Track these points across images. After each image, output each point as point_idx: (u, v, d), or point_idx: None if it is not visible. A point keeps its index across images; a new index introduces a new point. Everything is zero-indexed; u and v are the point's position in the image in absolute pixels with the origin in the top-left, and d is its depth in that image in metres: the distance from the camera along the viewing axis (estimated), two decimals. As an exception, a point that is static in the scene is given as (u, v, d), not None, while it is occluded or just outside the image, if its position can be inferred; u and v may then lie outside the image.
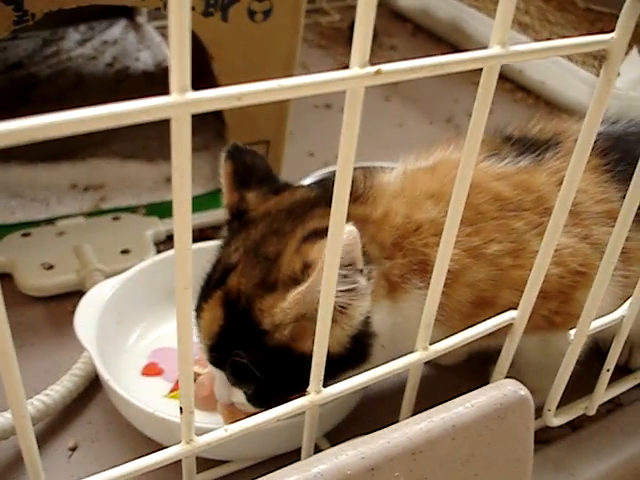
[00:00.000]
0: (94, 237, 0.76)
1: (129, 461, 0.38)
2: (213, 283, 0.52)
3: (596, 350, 0.59)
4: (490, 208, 0.52)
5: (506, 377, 0.49)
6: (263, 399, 0.52)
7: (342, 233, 0.35)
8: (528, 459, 0.46)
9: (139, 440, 0.57)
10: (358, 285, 0.48)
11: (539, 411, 0.54)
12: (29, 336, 0.67)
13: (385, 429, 0.42)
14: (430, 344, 0.46)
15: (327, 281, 0.37)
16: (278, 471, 0.40)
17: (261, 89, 0.28)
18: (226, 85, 0.80)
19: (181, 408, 0.38)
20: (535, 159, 0.55)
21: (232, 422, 0.41)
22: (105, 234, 0.77)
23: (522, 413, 0.45)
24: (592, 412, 0.57)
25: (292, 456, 0.47)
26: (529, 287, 0.47)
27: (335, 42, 1.35)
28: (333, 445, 0.42)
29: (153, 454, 0.39)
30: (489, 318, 0.48)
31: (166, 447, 0.39)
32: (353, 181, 0.39)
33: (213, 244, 0.57)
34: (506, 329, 0.49)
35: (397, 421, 0.44)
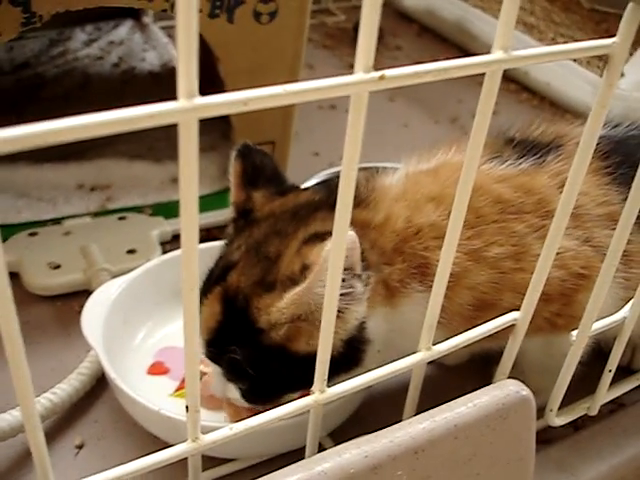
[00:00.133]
0: (101, 237, 0.76)
1: (135, 459, 0.39)
2: (214, 279, 0.53)
3: (599, 351, 0.60)
4: (491, 211, 0.52)
5: (509, 377, 0.50)
6: (256, 396, 0.53)
7: (345, 237, 0.36)
8: (530, 459, 0.47)
9: (145, 438, 0.57)
10: (355, 290, 0.48)
11: (541, 411, 0.55)
12: (36, 335, 0.68)
13: (388, 428, 0.42)
14: (433, 345, 0.46)
15: (331, 283, 0.38)
16: (282, 469, 0.40)
17: (267, 94, 0.28)
18: (232, 86, 0.81)
19: (187, 407, 0.38)
20: (537, 162, 0.56)
21: (237, 421, 0.42)
22: (111, 234, 0.77)
23: (524, 413, 0.45)
24: (594, 412, 0.57)
25: (296, 454, 0.48)
26: (531, 288, 0.47)
27: (341, 42, 1.35)
28: (337, 444, 0.43)
29: (159, 452, 0.39)
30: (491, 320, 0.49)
31: (172, 445, 0.40)
32: (356, 185, 0.39)
33: (219, 244, 0.58)
34: (508, 330, 0.49)
35: (400, 420, 0.45)
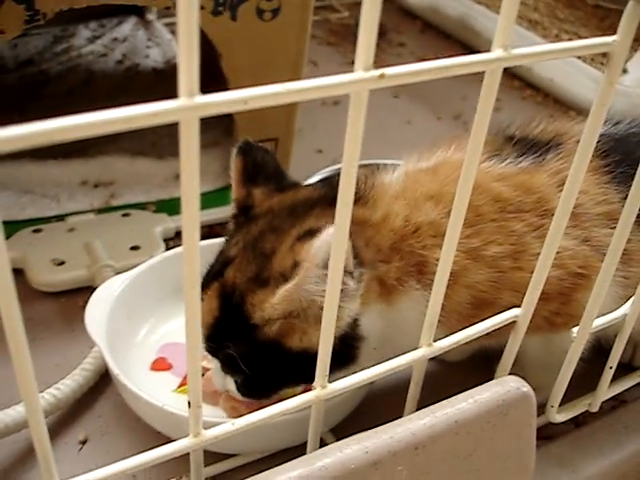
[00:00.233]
0: (104, 233, 0.77)
1: (138, 453, 0.39)
2: (213, 274, 0.54)
3: (600, 347, 0.60)
4: (490, 209, 0.52)
5: (510, 374, 0.50)
6: (251, 390, 0.54)
7: (346, 236, 0.36)
8: (530, 455, 0.47)
9: (148, 433, 0.58)
10: (347, 287, 0.48)
11: (542, 407, 0.55)
12: (40, 331, 0.68)
13: (389, 424, 0.43)
14: (433, 342, 0.46)
15: (332, 281, 0.38)
16: (283, 465, 0.40)
17: (267, 93, 0.28)
18: (235, 83, 0.81)
19: (189, 402, 0.38)
20: (536, 160, 0.55)
21: (235, 417, 0.42)
22: (115, 230, 0.78)
23: (524, 409, 0.46)
24: (595, 409, 0.57)
25: (298, 450, 0.48)
26: (532, 286, 0.47)
27: (344, 39, 1.35)
28: (339, 439, 0.43)
29: (161, 447, 0.39)
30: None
31: (174, 440, 0.40)
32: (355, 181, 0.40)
33: (221, 241, 0.58)
34: (509, 328, 0.50)
35: (401, 416, 0.45)
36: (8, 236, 0.75)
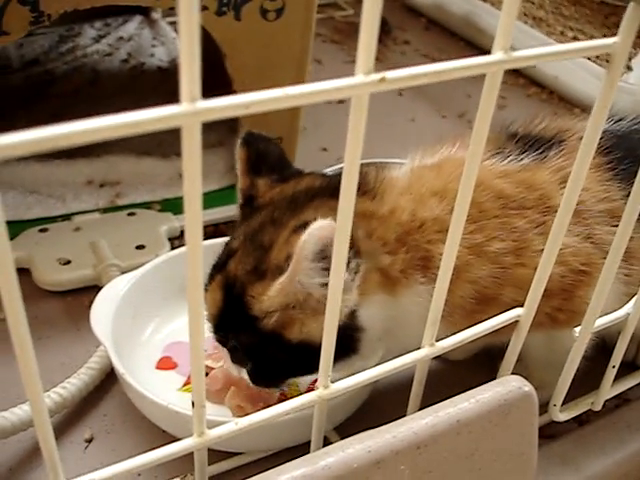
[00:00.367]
0: (110, 233, 0.77)
1: (143, 452, 0.39)
2: (218, 266, 0.55)
3: (603, 346, 0.60)
4: (493, 206, 0.53)
5: (514, 373, 0.50)
6: (260, 379, 0.55)
7: (347, 237, 0.36)
8: (532, 454, 0.47)
9: (153, 432, 0.58)
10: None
11: (546, 406, 0.55)
12: (46, 329, 0.69)
13: (391, 423, 0.43)
14: (436, 340, 0.47)
15: (335, 275, 0.38)
16: (287, 463, 0.41)
17: (268, 97, 0.29)
18: (240, 82, 0.81)
19: (193, 402, 0.39)
20: (538, 157, 0.56)
21: (240, 415, 0.42)
22: (120, 230, 0.78)
23: (526, 409, 0.46)
24: (598, 408, 0.58)
25: (303, 448, 0.49)
26: (535, 284, 0.47)
27: (349, 37, 1.35)
28: (343, 438, 0.43)
29: (166, 446, 0.40)
30: (493, 315, 0.49)
31: (179, 439, 0.40)
32: (364, 174, 0.40)
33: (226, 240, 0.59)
34: (511, 326, 0.50)
35: (405, 415, 0.45)
36: (14, 236, 0.75)
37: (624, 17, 0.38)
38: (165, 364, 0.65)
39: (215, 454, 0.56)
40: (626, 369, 0.62)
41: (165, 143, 0.88)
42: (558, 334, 0.56)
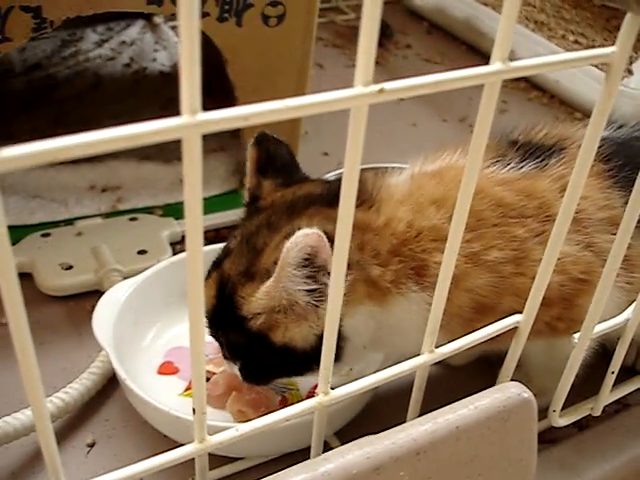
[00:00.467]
0: (112, 238, 0.78)
1: (145, 458, 0.40)
2: (216, 263, 0.56)
3: (605, 350, 0.60)
4: (492, 215, 0.53)
5: (514, 379, 0.50)
6: (249, 376, 0.56)
7: (347, 251, 0.36)
8: (531, 460, 0.47)
9: (155, 437, 0.59)
10: (327, 288, 0.49)
11: (545, 412, 0.55)
12: (48, 334, 0.69)
13: (390, 430, 0.43)
14: (435, 347, 0.47)
15: (335, 286, 0.38)
16: (286, 470, 0.41)
17: (267, 110, 0.29)
18: (241, 87, 0.81)
19: (194, 409, 0.39)
20: (539, 165, 0.55)
21: (242, 421, 0.43)
22: (122, 235, 0.78)
23: (525, 415, 0.46)
24: (597, 413, 0.58)
25: (304, 453, 0.49)
26: (534, 292, 0.47)
27: (350, 41, 1.35)
28: (343, 443, 0.43)
29: (167, 453, 0.40)
30: (492, 323, 0.49)
31: (180, 444, 0.41)
32: (362, 182, 0.40)
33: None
34: (511, 333, 0.50)
35: (405, 421, 0.45)
36: (17, 240, 0.76)
37: (622, 27, 0.38)
38: (166, 369, 0.65)
39: (216, 459, 0.56)
40: (626, 374, 0.62)
41: (167, 148, 0.88)
42: (558, 341, 0.56)
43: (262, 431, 0.42)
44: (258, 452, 0.58)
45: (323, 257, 0.48)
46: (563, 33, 1.28)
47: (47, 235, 0.78)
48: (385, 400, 0.62)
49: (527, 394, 0.46)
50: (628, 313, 0.52)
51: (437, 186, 0.54)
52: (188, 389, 0.63)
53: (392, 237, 0.52)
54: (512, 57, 0.35)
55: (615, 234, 0.47)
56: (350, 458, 0.41)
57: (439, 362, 0.49)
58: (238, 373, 0.56)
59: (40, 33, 0.66)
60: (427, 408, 0.47)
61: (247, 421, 0.42)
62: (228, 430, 0.41)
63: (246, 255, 0.53)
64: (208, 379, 0.61)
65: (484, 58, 0.35)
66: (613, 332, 0.53)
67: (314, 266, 0.48)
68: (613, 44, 0.39)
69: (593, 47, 1.23)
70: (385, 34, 1.36)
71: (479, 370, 0.66)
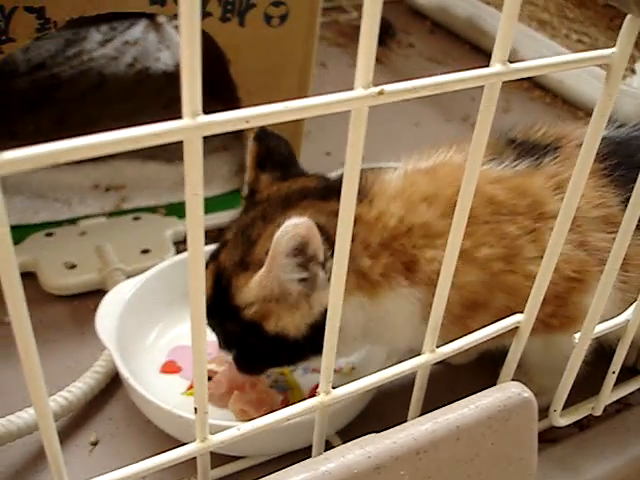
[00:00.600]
0: (115, 237, 0.78)
1: (148, 456, 0.40)
2: (213, 255, 0.57)
3: (604, 350, 0.60)
4: (483, 212, 0.53)
5: (515, 379, 0.51)
6: (243, 365, 0.57)
7: (347, 249, 0.37)
8: (532, 459, 0.48)
9: (158, 435, 0.59)
10: (317, 277, 0.50)
11: (546, 411, 0.55)
12: (52, 333, 0.70)
13: (391, 429, 0.44)
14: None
15: (336, 281, 0.39)
16: (287, 469, 0.41)
17: (268, 112, 0.29)
18: (243, 87, 0.81)
19: (195, 409, 0.39)
20: (533, 163, 0.55)
21: (244, 420, 0.43)
22: (126, 234, 0.79)
23: (526, 415, 0.46)
24: (598, 413, 0.58)
25: (305, 452, 0.49)
26: (534, 292, 0.48)
27: (353, 40, 1.35)
28: (345, 442, 0.44)
29: (169, 452, 0.40)
30: (489, 323, 0.49)
31: (183, 443, 0.41)
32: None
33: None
34: (511, 331, 0.50)
35: (406, 420, 0.46)
36: (21, 240, 0.76)
37: (622, 28, 0.38)
38: (169, 368, 0.65)
39: (218, 457, 0.56)
40: (627, 374, 0.62)
41: (170, 148, 0.88)
42: (555, 340, 0.56)
43: (264, 430, 0.43)
44: (260, 451, 0.58)
45: (314, 247, 0.49)
46: (566, 32, 1.29)
47: (51, 234, 0.78)
48: (387, 398, 0.63)
49: (527, 394, 0.46)
50: (628, 314, 0.52)
51: (430, 183, 0.54)
52: (191, 388, 0.63)
53: (383, 231, 0.53)
54: (514, 56, 0.36)
55: (610, 232, 0.47)
56: (351, 457, 0.41)
57: (441, 361, 0.50)
58: (233, 362, 0.57)
59: (44, 33, 0.66)
60: (430, 406, 0.47)
61: (249, 420, 0.43)
62: (230, 429, 0.42)
63: (241, 246, 0.54)
64: (210, 378, 0.62)
65: (487, 57, 0.35)
66: (613, 332, 0.53)
67: (305, 255, 0.49)
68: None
69: (596, 46, 1.23)
70: (388, 33, 1.36)
71: (481, 368, 0.66)
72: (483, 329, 0.49)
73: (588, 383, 0.56)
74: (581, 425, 0.62)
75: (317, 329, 0.51)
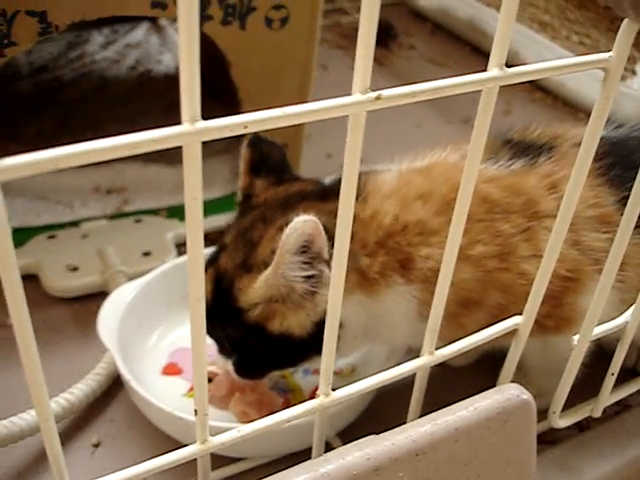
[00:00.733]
0: (117, 239, 0.78)
1: (149, 458, 0.40)
2: (211, 260, 0.57)
3: (604, 352, 0.60)
4: (477, 210, 0.53)
5: (515, 380, 0.51)
6: (244, 370, 0.57)
7: (346, 251, 0.37)
8: (531, 461, 0.48)
9: (159, 437, 0.59)
10: (322, 274, 0.51)
11: (545, 413, 0.56)
12: (54, 335, 0.70)
13: (390, 431, 0.44)
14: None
15: (335, 281, 0.39)
16: (287, 470, 0.42)
17: (266, 117, 0.29)
18: (244, 90, 0.81)
19: (196, 410, 0.40)
20: (528, 162, 0.56)
21: (244, 422, 0.43)
22: (127, 236, 0.79)
23: (524, 416, 0.46)
24: (597, 414, 0.58)
25: (305, 454, 0.49)
26: (533, 293, 0.48)
27: (355, 42, 1.35)
28: (345, 443, 0.44)
29: (169, 453, 0.41)
30: (484, 321, 0.49)
31: (182, 446, 0.41)
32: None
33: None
34: (510, 333, 0.50)
35: (405, 422, 0.46)
36: (23, 242, 0.77)
37: (619, 32, 0.39)
38: (171, 370, 0.65)
39: (219, 459, 0.56)
40: (626, 375, 0.63)
41: (170, 150, 0.89)
42: (552, 342, 0.57)
43: (264, 432, 0.43)
44: (260, 453, 0.58)
45: (319, 244, 0.49)
46: (567, 34, 1.29)
47: (53, 237, 0.79)
48: (387, 400, 0.63)
49: (526, 395, 0.47)
50: (627, 315, 0.53)
51: (424, 181, 0.55)
52: (192, 390, 0.63)
53: (378, 229, 0.53)
54: (516, 58, 0.36)
55: (604, 232, 0.47)
56: (350, 459, 0.41)
57: (441, 363, 0.50)
58: (232, 368, 0.57)
59: (46, 37, 0.67)
60: (430, 407, 0.47)
61: (250, 422, 0.43)
62: (230, 431, 0.42)
63: (242, 249, 0.55)
64: (211, 380, 0.62)
65: (488, 58, 0.36)
66: (612, 334, 0.53)
67: (310, 253, 0.49)
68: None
69: (598, 48, 1.23)
70: (389, 35, 1.36)
71: (480, 370, 0.66)
72: (482, 331, 0.49)
73: (587, 385, 0.56)
74: (580, 427, 0.62)
75: (321, 327, 0.51)
